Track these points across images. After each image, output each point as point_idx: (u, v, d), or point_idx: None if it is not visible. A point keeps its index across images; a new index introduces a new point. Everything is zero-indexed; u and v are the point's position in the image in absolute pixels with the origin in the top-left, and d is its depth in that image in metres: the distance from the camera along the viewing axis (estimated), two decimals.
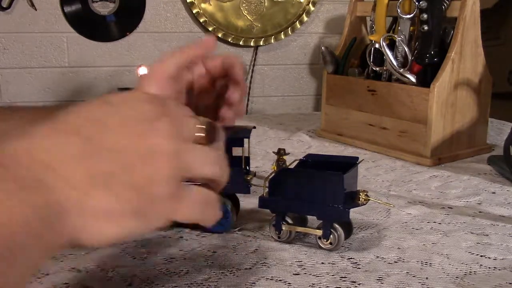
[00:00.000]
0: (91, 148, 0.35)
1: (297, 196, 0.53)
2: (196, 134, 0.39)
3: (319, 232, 0.53)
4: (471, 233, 0.59)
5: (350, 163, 0.55)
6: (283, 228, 0.55)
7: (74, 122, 0.36)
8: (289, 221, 0.55)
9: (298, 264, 0.50)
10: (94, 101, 0.38)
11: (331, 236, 0.53)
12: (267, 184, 0.54)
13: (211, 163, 0.39)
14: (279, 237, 0.55)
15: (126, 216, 0.35)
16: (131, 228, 0.35)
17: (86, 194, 0.34)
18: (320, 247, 0.54)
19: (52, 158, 0.34)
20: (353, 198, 0.54)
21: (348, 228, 0.55)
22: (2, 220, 0.30)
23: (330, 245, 0.53)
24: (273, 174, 0.54)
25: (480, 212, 0.66)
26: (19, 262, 0.31)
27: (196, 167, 0.38)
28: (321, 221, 0.53)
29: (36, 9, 1.57)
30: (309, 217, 0.57)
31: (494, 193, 0.74)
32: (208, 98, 0.52)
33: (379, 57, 0.98)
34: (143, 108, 0.38)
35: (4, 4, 1.55)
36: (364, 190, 0.54)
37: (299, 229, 0.55)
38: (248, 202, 0.64)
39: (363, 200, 0.54)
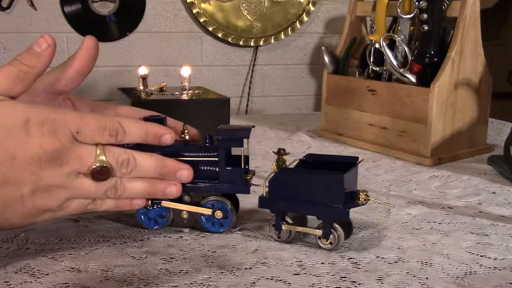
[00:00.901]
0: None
1: (297, 196, 0.53)
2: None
3: (319, 232, 0.53)
4: (471, 233, 0.59)
5: (350, 163, 0.55)
6: (283, 228, 0.55)
7: None
8: (289, 221, 0.55)
9: (298, 264, 0.50)
10: None
11: (331, 236, 0.53)
12: (267, 184, 0.54)
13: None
14: (279, 237, 0.55)
15: (1, 187, 0.41)
16: None
17: None
18: (320, 247, 0.54)
19: None
20: (353, 198, 0.54)
21: (348, 228, 0.55)
22: None
23: (330, 245, 0.53)
24: (273, 174, 0.54)
25: (480, 212, 0.66)
26: None
27: None
28: (321, 221, 0.53)
29: (36, 9, 1.57)
30: (309, 217, 0.57)
31: (494, 193, 0.74)
32: None
33: (379, 57, 0.98)
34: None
35: (4, 4, 1.55)
36: (364, 190, 0.54)
37: (299, 229, 0.55)
38: (248, 202, 0.64)
39: (363, 200, 0.54)
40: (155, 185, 0.50)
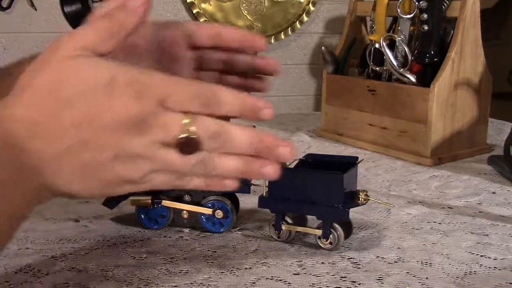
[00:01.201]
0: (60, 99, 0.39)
1: (297, 196, 0.53)
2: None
3: (319, 232, 0.53)
4: (471, 233, 0.59)
5: (350, 163, 0.55)
6: (283, 228, 0.55)
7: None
8: (289, 221, 0.55)
9: (298, 264, 0.50)
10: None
11: (331, 236, 0.53)
12: (266, 184, 0.54)
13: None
14: (278, 237, 0.55)
15: (79, 150, 0.38)
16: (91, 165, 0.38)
17: (51, 134, 0.38)
18: (320, 247, 0.54)
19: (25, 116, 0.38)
20: (353, 198, 0.54)
21: (348, 228, 0.55)
22: None
23: (330, 245, 0.53)
24: None
25: (480, 212, 0.66)
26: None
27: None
28: (320, 221, 0.53)
29: (36, 9, 1.57)
30: (309, 217, 0.57)
31: (494, 193, 0.74)
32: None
33: (379, 57, 0.98)
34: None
35: (4, 4, 1.55)
36: (364, 190, 0.54)
37: (299, 229, 0.55)
38: (248, 202, 0.64)
39: (363, 199, 0.54)
40: (250, 163, 0.43)
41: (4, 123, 0.38)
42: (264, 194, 0.55)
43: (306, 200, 0.53)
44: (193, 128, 0.40)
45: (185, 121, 0.40)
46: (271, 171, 0.43)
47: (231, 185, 0.44)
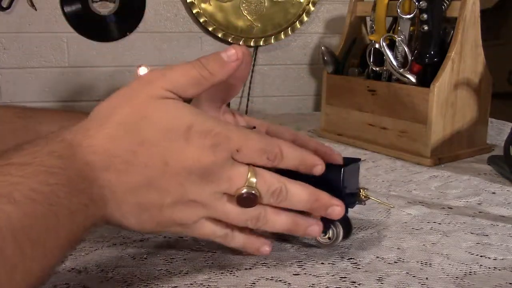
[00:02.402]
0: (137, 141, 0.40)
1: None
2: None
3: None
4: (471, 233, 0.59)
5: (351, 162, 0.55)
6: None
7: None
8: None
9: (298, 264, 0.50)
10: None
11: (330, 230, 0.52)
12: None
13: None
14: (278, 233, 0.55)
15: (145, 189, 0.39)
16: (152, 206, 0.39)
17: (125, 169, 0.39)
18: (319, 246, 0.54)
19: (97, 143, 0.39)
20: (353, 195, 0.54)
21: (348, 228, 0.55)
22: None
23: (328, 240, 0.53)
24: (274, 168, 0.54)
25: (480, 212, 0.66)
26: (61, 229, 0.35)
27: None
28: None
29: (36, 9, 1.57)
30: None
31: (494, 193, 0.74)
32: None
33: (379, 57, 0.98)
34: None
35: (4, 4, 1.55)
36: (364, 188, 0.54)
37: None
38: None
39: (362, 196, 0.54)
40: (297, 222, 0.47)
41: (83, 154, 0.38)
42: None
43: None
44: (254, 182, 0.42)
45: (250, 175, 0.42)
46: (316, 230, 0.48)
47: (266, 253, 0.49)
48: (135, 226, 0.42)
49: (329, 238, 0.53)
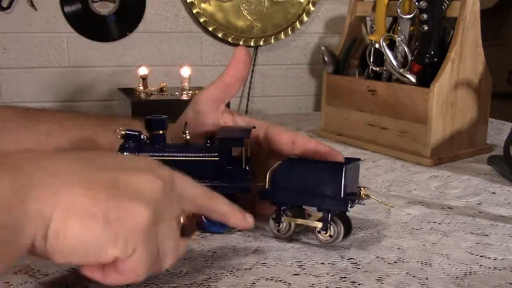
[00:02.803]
0: (85, 163, 0.39)
1: (299, 187, 0.53)
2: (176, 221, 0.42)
3: (319, 224, 0.53)
4: (471, 233, 0.59)
5: (351, 161, 0.56)
6: (283, 220, 0.55)
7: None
8: (289, 213, 0.55)
9: (298, 264, 0.50)
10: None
11: (331, 227, 0.53)
12: (269, 177, 0.54)
13: (174, 256, 0.42)
14: (278, 231, 0.55)
15: (93, 218, 0.36)
16: (94, 235, 0.36)
17: (62, 185, 0.36)
18: (320, 245, 0.54)
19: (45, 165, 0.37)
20: (353, 193, 0.54)
21: (348, 226, 0.55)
22: None
23: (329, 238, 0.53)
24: (276, 165, 0.55)
25: (480, 212, 0.66)
26: None
27: (161, 251, 0.40)
28: (321, 215, 0.53)
29: (36, 9, 1.57)
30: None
31: (494, 193, 0.74)
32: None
33: (379, 57, 0.98)
34: (149, 164, 0.42)
35: (4, 4, 1.55)
36: (364, 186, 0.54)
37: (299, 221, 0.55)
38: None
39: (363, 194, 0.54)
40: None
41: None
42: (266, 187, 0.55)
43: (307, 191, 0.53)
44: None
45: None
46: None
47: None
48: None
49: (330, 236, 0.53)
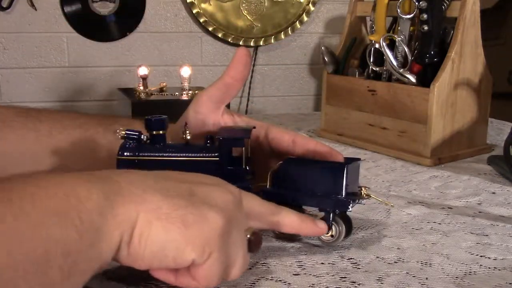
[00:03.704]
0: (162, 177, 0.42)
1: (300, 187, 0.53)
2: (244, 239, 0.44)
3: None
4: (471, 233, 0.59)
5: (352, 161, 0.56)
6: None
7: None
8: None
9: (298, 264, 0.50)
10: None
11: (332, 227, 0.53)
12: (270, 177, 0.54)
13: (242, 267, 0.43)
14: (280, 231, 0.55)
15: (173, 222, 0.38)
16: (174, 238, 0.38)
17: (146, 191, 0.39)
18: (320, 245, 0.54)
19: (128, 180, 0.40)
20: (354, 193, 0.54)
21: (349, 226, 0.55)
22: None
23: (331, 238, 0.53)
24: (277, 165, 0.55)
25: (480, 212, 0.66)
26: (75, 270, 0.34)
27: (232, 259, 0.42)
28: (323, 215, 0.53)
29: (36, 9, 1.57)
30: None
31: (494, 193, 0.74)
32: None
33: (379, 57, 0.98)
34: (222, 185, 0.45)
35: (4, 4, 1.55)
36: (364, 186, 0.54)
37: None
38: None
39: (364, 194, 0.54)
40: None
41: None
42: (268, 187, 0.55)
43: (308, 191, 0.53)
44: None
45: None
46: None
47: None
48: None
49: (332, 236, 0.53)
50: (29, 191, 0.34)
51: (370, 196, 0.54)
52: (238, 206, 0.43)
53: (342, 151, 0.98)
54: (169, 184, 0.41)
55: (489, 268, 0.50)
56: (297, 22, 1.74)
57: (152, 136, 0.54)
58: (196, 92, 1.28)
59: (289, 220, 0.49)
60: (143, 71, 1.36)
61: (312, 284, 0.46)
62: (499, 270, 0.50)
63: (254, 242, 0.44)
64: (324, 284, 0.47)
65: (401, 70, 0.93)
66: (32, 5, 1.57)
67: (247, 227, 0.44)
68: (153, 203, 0.38)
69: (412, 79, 0.92)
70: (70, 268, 0.33)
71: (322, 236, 0.53)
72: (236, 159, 0.55)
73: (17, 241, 0.31)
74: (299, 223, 0.50)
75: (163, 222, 0.38)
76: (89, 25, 1.62)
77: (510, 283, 0.47)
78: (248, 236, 0.44)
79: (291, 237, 0.56)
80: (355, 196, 0.54)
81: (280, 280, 0.47)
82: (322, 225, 0.51)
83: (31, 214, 0.32)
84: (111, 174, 0.40)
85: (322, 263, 0.51)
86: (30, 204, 0.33)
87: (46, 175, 0.36)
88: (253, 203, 0.47)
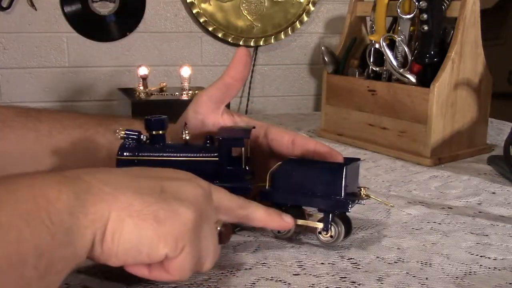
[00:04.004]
0: (133, 174, 0.43)
1: (299, 188, 0.53)
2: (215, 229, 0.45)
3: (320, 225, 0.53)
4: (471, 233, 0.59)
5: (351, 161, 0.56)
6: None
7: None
8: (289, 214, 0.55)
9: (298, 264, 0.50)
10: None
11: (332, 228, 0.53)
12: (269, 178, 0.54)
13: (213, 259, 0.44)
14: (278, 231, 0.55)
15: (145, 219, 0.39)
16: (146, 234, 0.39)
17: (117, 189, 0.39)
18: (320, 245, 0.54)
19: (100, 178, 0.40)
20: (354, 193, 0.54)
21: (348, 227, 0.55)
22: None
23: (330, 238, 0.53)
24: (276, 166, 0.55)
25: (480, 212, 0.66)
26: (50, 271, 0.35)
27: (204, 252, 0.43)
28: (322, 216, 0.53)
29: (36, 9, 1.57)
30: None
31: (494, 193, 0.74)
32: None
33: (379, 57, 0.98)
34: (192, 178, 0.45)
35: (4, 4, 1.55)
36: (364, 187, 0.54)
37: (300, 221, 0.54)
38: None
39: (363, 195, 0.54)
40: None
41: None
42: (267, 187, 0.55)
43: (308, 191, 0.53)
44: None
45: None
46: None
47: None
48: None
49: (331, 236, 0.53)
50: None
51: (370, 197, 0.54)
52: (208, 199, 0.44)
53: (342, 151, 0.98)
54: (140, 181, 0.41)
55: (489, 268, 0.50)
56: (297, 22, 1.74)
57: (152, 136, 0.54)
58: (196, 92, 1.28)
59: (257, 214, 0.50)
60: (143, 71, 1.36)
61: (312, 284, 0.46)
62: (499, 270, 0.50)
63: (224, 234, 0.45)
64: (324, 284, 0.47)
65: (401, 70, 0.93)
66: (32, 5, 1.57)
67: (216, 220, 0.45)
68: (124, 201, 0.39)
69: (412, 79, 0.92)
70: (45, 267, 0.34)
71: (321, 237, 0.53)
72: (235, 159, 0.55)
73: None
74: (266, 216, 0.50)
75: (135, 219, 0.38)
76: (89, 25, 1.62)
77: (510, 283, 0.47)
78: (219, 228, 0.44)
79: (290, 237, 0.56)
80: (354, 196, 0.54)
81: (280, 280, 0.47)
82: (288, 219, 0.51)
83: (1, 217, 0.32)
84: (82, 173, 0.40)
85: (322, 263, 0.51)
86: None
87: (16, 177, 0.37)
88: (223, 197, 0.47)
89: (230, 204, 0.48)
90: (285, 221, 0.51)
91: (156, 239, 0.39)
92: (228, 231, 0.45)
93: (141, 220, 0.38)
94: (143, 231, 0.38)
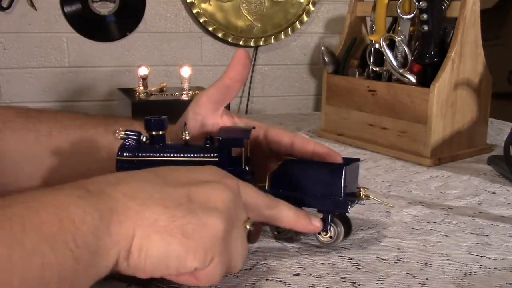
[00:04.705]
0: (158, 181, 0.41)
1: (299, 188, 0.53)
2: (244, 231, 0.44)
3: None
4: (471, 233, 0.59)
5: (351, 161, 0.56)
6: None
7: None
8: None
9: (298, 264, 0.50)
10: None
11: (331, 229, 0.53)
12: (269, 178, 0.54)
13: (243, 259, 0.44)
14: (278, 232, 0.55)
15: (172, 234, 0.38)
16: (174, 249, 0.38)
17: (142, 205, 0.38)
18: (319, 245, 0.54)
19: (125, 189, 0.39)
20: (353, 194, 0.54)
21: (348, 227, 0.55)
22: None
23: (330, 239, 0.53)
24: (276, 167, 0.55)
25: (480, 212, 0.66)
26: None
27: (233, 256, 0.42)
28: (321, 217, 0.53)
29: (36, 9, 1.57)
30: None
31: (494, 193, 0.74)
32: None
33: (379, 57, 0.98)
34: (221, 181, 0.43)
35: (4, 4, 1.55)
36: (364, 187, 0.54)
37: None
38: None
39: (363, 195, 0.54)
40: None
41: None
42: (266, 188, 0.55)
43: (307, 192, 0.53)
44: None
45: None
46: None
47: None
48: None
49: (330, 237, 0.53)
50: (19, 214, 0.33)
51: (369, 197, 0.54)
52: (237, 201, 0.43)
53: (342, 151, 0.98)
54: (166, 190, 0.40)
55: (489, 268, 0.50)
56: (297, 22, 1.74)
57: (152, 136, 0.54)
58: (196, 92, 1.28)
59: (285, 215, 0.48)
60: (143, 71, 1.36)
61: (312, 284, 0.46)
62: (499, 270, 0.50)
63: (253, 233, 0.44)
64: (324, 284, 0.47)
65: (401, 70, 0.93)
66: (32, 5, 1.57)
67: (245, 218, 0.44)
68: (149, 216, 0.38)
69: (412, 79, 0.92)
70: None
71: (320, 237, 0.53)
72: (235, 159, 0.55)
73: (10, 270, 0.31)
74: (295, 218, 0.49)
75: (162, 234, 0.38)
76: (89, 25, 1.62)
77: (510, 284, 0.47)
78: (248, 227, 0.44)
79: (290, 238, 0.56)
80: (354, 197, 0.54)
81: (280, 281, 0.47)
82: (317, 223, 0.50)
83: (24, 242, 0.32)
84: (105, 186, 0.39)
85: (322, 264, 0.51)
86: (21, 230, 0.32)
87: (37, 194, 0.35)
88: (251, 195, 0.46)
89: (258, 203, 0.47)
90: (313, 225, 0.50)
91: (184, 253, 0.38)
92: (258, 230, 0.44)
93: (169, 236, 0.38)
94: (171, 247, 0.38)
